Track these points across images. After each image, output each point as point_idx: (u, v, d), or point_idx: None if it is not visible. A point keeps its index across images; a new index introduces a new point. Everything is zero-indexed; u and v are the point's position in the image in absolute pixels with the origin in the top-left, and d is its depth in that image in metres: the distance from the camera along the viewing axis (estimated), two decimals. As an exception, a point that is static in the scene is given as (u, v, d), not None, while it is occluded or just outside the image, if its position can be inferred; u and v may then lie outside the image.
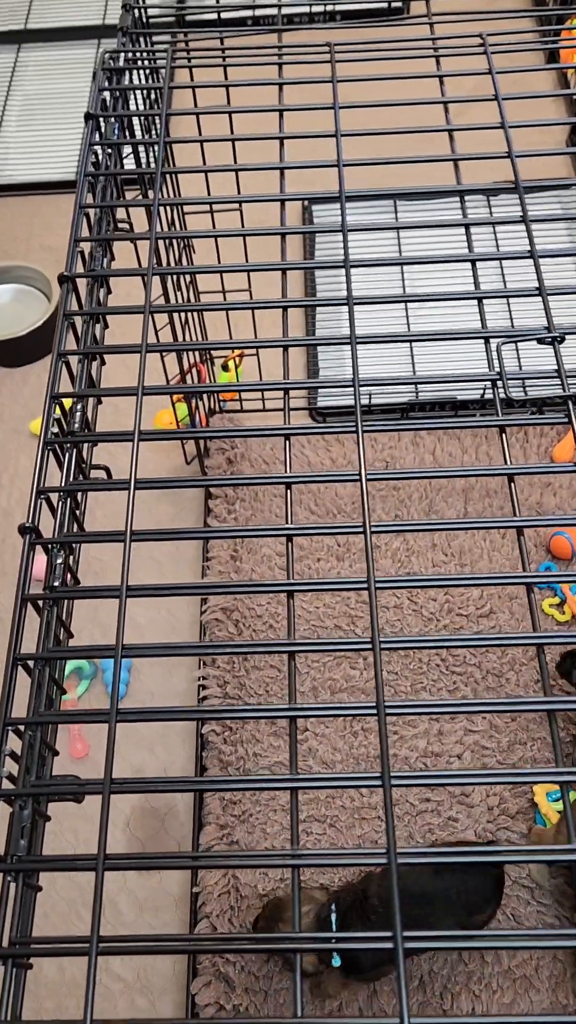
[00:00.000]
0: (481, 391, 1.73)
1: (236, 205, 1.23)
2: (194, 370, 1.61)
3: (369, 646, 0.55)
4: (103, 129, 0.90)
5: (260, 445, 1.74)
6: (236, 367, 1.67)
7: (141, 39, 1.03)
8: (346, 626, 1.56)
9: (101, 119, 0.88)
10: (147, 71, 1.05)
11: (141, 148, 1.11)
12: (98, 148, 0.86)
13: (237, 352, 1.65)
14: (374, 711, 0.53)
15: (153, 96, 1.16)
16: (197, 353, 1.60)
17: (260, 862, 0.54)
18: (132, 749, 1.50)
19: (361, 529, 0.61)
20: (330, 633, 1.56)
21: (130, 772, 1.48)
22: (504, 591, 1.58)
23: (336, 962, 1.10)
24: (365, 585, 0.57)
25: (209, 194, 1.26)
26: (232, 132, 1.08)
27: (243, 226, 1.25)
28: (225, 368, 1.67)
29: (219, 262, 1.40)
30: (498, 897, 1.21)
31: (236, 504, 1.66)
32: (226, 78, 1.00)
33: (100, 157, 0.86)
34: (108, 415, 1.89)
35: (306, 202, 2.11)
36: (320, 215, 2.11)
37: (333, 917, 1.12)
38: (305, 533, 0.62)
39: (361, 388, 0.68)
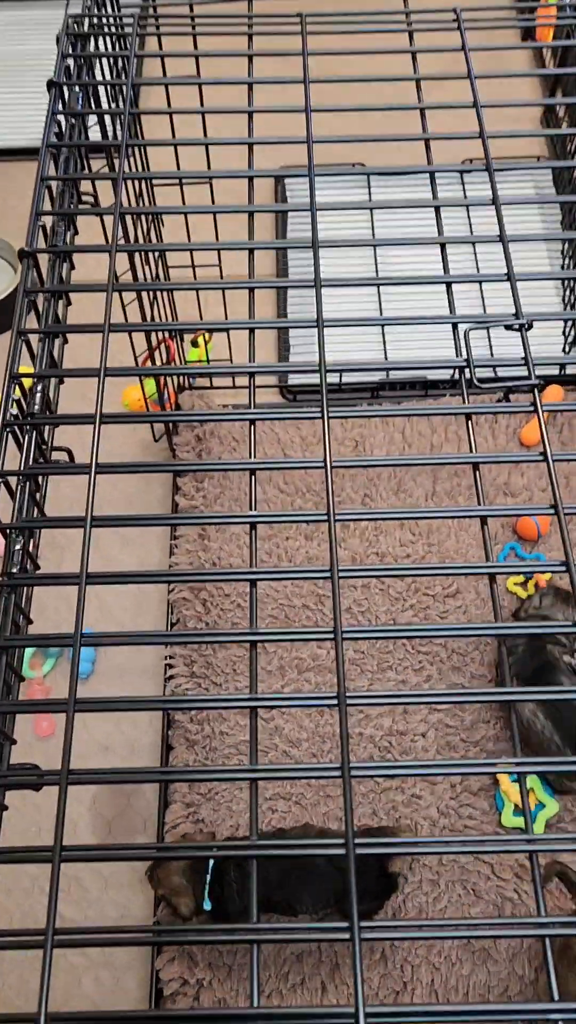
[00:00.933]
0: (452, 372, 1.72)
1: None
2: (163, 346, 1.58)
3: (331, 636, 0.55)
4: (67, 97, 0.88)
5: (230, 424, 1.73)
6: (206, 343, 1.65)
7: (108, 4, 1.00)
8: (314, 605, 1.56)
9: (65, 87, 0.85)
10: (114, 38, 1.02)
11: (107, 118, 1.09)
12: (61, 118, 0.83)
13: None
14: (335, 702, 0.53)
15: (120, 64, 1.13)
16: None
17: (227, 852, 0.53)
18: (99, 723, 1.50)
19: (325, 518, 0.60)
20: (298, 613, 1.56)
21: (96, 749, 1.48)
22: (471, 571, 1.59)
23: (207, 906, 1.15)
24: (328, 575, 0.57)
25: (179, 167, 1.24)
26: (202, 103, 1.06)
27: (213, 199, 1.23)
28: (195, 344, 1.65)
29: (189, 236, 1.38)
30: (381, 898, 1.23)
31: (205, 482, 1.64)
32: (195, 47, 0.97)
33: (64, 127, 0.84)
34: (75, 390, 1.86)
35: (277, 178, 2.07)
36: (293, 188, 2.08)
37: (210, 863, 1.16)
38: (268, 521, 0.61)
39: (329, 371, 0.68)
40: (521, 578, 1.61)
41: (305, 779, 1.34)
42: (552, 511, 0.60)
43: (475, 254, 1.89)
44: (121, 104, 1.02)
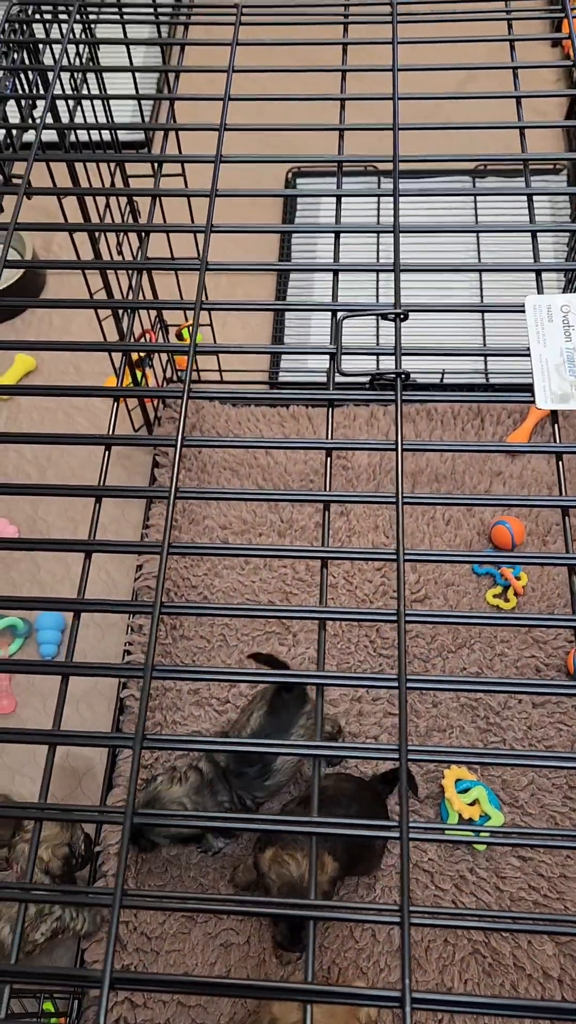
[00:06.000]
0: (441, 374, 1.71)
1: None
2: (146, 336, 1.60)
3: (394, 619, 0.55)
4: (5, 82, 0.90)
5: (214, 417, 1.74)
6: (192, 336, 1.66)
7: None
8: (279, 602, 1.56)
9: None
10: (73, 25, 1.04)
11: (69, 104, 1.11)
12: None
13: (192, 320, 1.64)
14: (395, 684, 0.54)
15: (88, 53, 1.16)
16: (149, 319, 1.60)
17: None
18: (58, 707, 1.52)
19: (394, 500, 0.61)
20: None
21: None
22: (441, 577, 1.57)
23: None
24: (394, 557, 0.58)
25: (180, 150, 1.23)
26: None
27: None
28: (179, 336, 1.66)
29: (192, 221, 1.38)
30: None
31: (182, 474, 1.66)
32: (168, 32, 0.99)
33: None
34: (70, 375, 1.89)
35: (289, 174, 2.08)
36: (303, 187, 2.09)
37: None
38: (339, 501, 0.62)
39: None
40: (498, 589, 1.58)
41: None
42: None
43: (477, 245, 1.88)
44: (87, 89, 1.04)
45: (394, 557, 0.59)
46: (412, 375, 0.68)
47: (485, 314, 1.79)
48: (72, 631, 0.61)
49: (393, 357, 0.66)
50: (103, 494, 0.61)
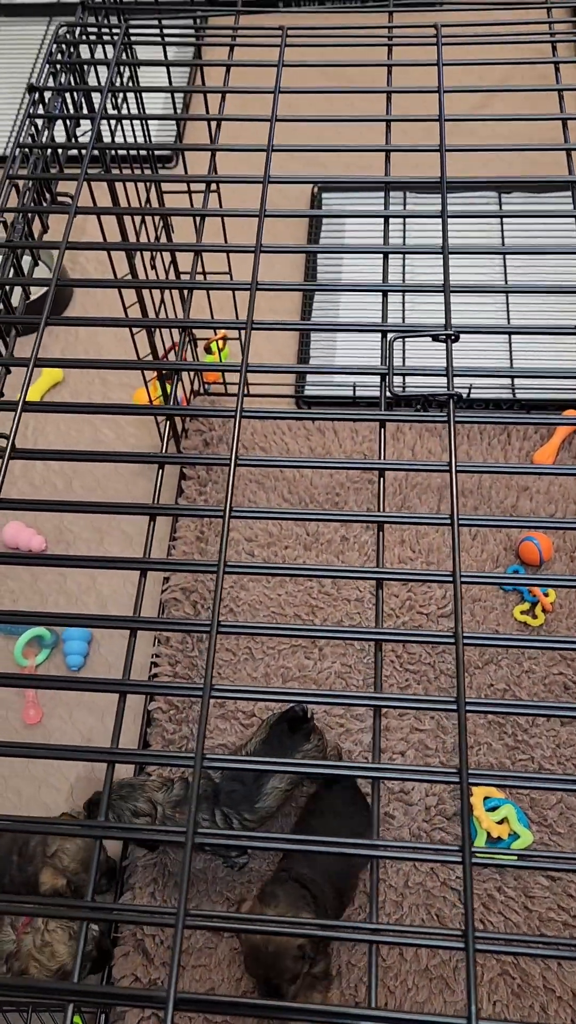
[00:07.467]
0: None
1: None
2: (175, 349, 1.61)
3: (452, 641, 0.55)
4: (54, 102, 0.91)
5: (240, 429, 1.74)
6: (219, 350, 1.67)
7: (110, 16, 1.03)
8: (305, 616, 1.56)
9: (46, 92, 0.89)
10: (120, 47, 1.05)
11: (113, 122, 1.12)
12: (39, 120, 0.86)
13: (221, 334, 1.65)
14: (454, 707, 0.55)
15: (129, 73, 1.17)
16: (177, 333, 1.60)
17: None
18: (84, 715, 1.52)
19: (449, 521, 0.61)
20: (289, 620, 1.56)
21: (79, 739, 1.50)
22: (467, 592, 1.57)
23: None
24: (450, 579, 0.58)
25: (217, 171, 1.25)
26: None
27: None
28: (208, 351, 1.67)
29: (225, 240, 1.39)
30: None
31: (208, 486, 1.66)
32: (199, 55, 1.00)
33: (40, 130, 0.87)
34: (96, 387, 1.90)
35: (315, 189, 2.09)
36: (328, 202, 2.10)
37: None
38: (394, 522, 0.62)
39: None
40: (526, 605, 1.58)
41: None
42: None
43: (504, 265, 1.87)
44: (127, 110, 1.05)
45: (450, 579, 0.59)
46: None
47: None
48: (129, 649, 0.61)
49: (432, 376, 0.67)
50: (157, 512, 0.61)
